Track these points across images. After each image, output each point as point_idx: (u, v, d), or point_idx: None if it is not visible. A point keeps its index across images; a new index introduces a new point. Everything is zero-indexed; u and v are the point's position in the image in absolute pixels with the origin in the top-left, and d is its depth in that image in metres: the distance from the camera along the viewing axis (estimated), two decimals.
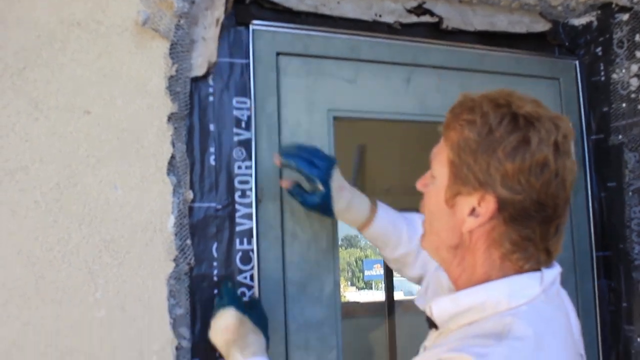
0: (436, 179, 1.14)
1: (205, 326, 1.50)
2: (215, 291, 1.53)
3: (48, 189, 1.41)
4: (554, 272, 1.11)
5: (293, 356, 1.60)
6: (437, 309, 1.13)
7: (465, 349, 0.97)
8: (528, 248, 1.07)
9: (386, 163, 4.36)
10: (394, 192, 4.92)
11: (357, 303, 8.67)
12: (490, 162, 1.04)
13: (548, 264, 1.11)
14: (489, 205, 1.05)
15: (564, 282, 1.90)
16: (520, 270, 1.09)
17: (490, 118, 1.06)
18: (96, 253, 1.43)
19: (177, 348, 1.47)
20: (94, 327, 1.42)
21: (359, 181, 4.43)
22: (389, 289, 6.06)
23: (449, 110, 1.16)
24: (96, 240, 1.44)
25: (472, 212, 1.08)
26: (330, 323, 1.65)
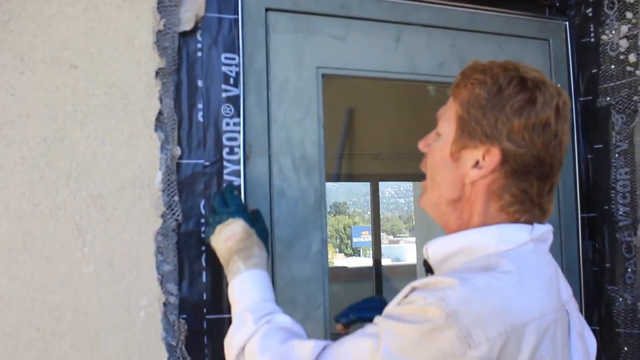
0: (442, 136, 1.22)
1: (194, 283, 1.52)
2: (203, 248, 1.54)
3: (35, 144, 1.41)
4: (545, 227, 1.17)
5: None
6: (433, 249, 1.22)
7: (451, 275, 1.06)
8: (525, 202, 1.15)
9: (375, 127, 4.37)
10: (383, 157, 4.94)
11: (345, 268, 8.75)
12: (498, 118, 1.12)
13: (542, 220, 1.18)
14: (493, 157, 1.13)
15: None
16: (514, 221, 1.16)
17: (500, 79, 1.15)
18: (84, 208, 1.44)
19: (164, 304, 1.48)
20: (82, 282, 1.43)
21: (347, 145, 4.43)
22: (377, 252, 6.16)
23: (460, 73, 1.22)
24: (84, 196, 1.44)
25: (476, 164, 1.15)
26: (317, 280, 1.66)
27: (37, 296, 1.39)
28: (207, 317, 1.53)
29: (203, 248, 1.54)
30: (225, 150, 1.58)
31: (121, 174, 1.47)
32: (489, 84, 1.15)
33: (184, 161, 1.54)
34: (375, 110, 4.00)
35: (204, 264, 1.54)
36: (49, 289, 1.40)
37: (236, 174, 1.58)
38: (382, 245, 6.48)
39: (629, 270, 1.87)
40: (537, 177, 1.14)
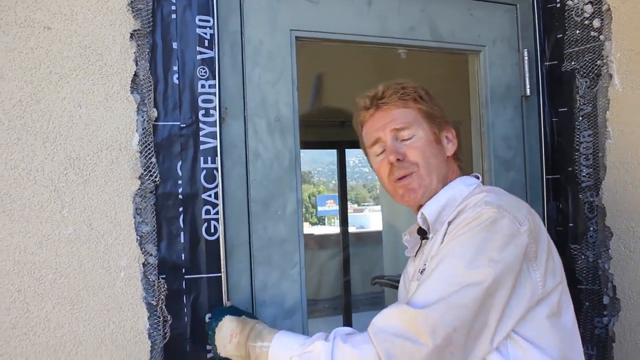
0: (417, 135, 1.52)
1: (172, 244, 1.55)
2: (181, 209, 1.56)
3: (10, 106, 1.42)
4: (478, 174, 1.62)
5: (257, 272, 1.67)
6: (427, 211, 1.50)
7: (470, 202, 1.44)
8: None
9: (343, 94, 4.40)
10: (350, 124, 4.98)
11: (312, 235, 8.87)
12: (441, 107, 1.58)
13: None
14: (451, 131, 1.58)
15: None
16: (462, 174, 1.60)
17: (420, 86, 1.57)
18: (62, 170, 1.46)
19: (144, 264, 1.52)
20: (62, 243, 1.45)
21: (315, 110, 4.46)
22: (344, 222, 6.24)
23: (399, 87, 1.55)
24: (61, 158, 1.46)
25: (449, 142, 1.57)
26: (293, 240, 1.71)
27: (19, 258, 1.42)
28: (186, 277, 1.57)
29: (181, 209, 1.57)
30: (201, 112, 1.60)
31: (98, 136, 1.49)
32: (423, 90, 1.56)
33: (161, 123, 1.56)
34: (344, 76, 4.03)
35: (182, 224, 1.57)
36: (29, 250, 1.42)
37: (212, 135, 1.61)
38: (348, 213, 6.59)
39: (591, 229, 1.94)
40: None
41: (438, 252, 1.35)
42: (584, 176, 1.96)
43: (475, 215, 1.34)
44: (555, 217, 2.06)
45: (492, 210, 1.33)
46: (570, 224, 2.01)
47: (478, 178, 1.58)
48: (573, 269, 1.98)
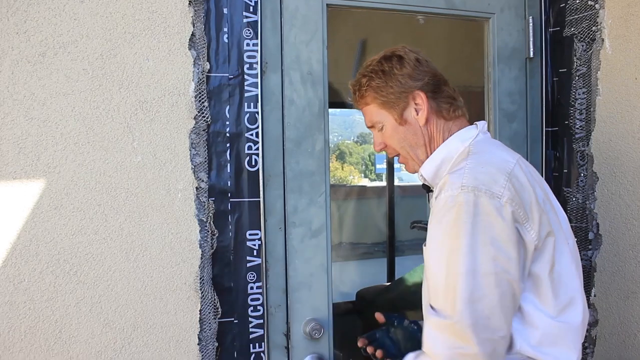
0: (384, 125, 1.52)
1: (220, 173, 1.72)
2: (228, 145, 1.74)
3: (94, 59, 1.59)
4: (482, 123, 1.53)
5: (289, 198, 1.82)
6: (424, 170, 1.51)
7: (451, 174, 1.36)
8: (453, 103, 1.52)
9: None
10: None
11: (365, 186, 9.03)
12: (399, 80, 1.49)
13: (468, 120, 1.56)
14: (419, 97, 1.48)
15: (518, 151, 2.10)
16: (461, 126, 1.52)
17: (378, 67, 1.51)
18: (133, 111, 1.63)
19: (197, 188, 1.69)
20: (132, 169, 1.63)
21: None
22: (390, 175, 6.33)
23: (352, 88, 1.59)
24: (133, 101, 1.63)
25: (416, 112, 1.49)
26: (320, 173, 1.85)
27: (99, 179, 1.60)
28: (231, 200, 1.74)
29: (228, 145, 1.73)
30: (246, 66, 1.75)
31: (162, 84, 1.65)
32: (377, 75, 1.50)
33: (213, 74, 1.72)
34: (388, 42, 4.05)
35: (228, 157, 1.73)
36: (107, 173, 1.61)
37: (254, 85, 1.76)
38: (402, 172, 6.62)
39: (582, 175, 2.04)
40: (443, 84, 1.52)
41: (430, 239, 1.34)
42: (577, 128, 2.04)
43: (452, 203, 1.28)
44: (553, 164, 2.15)
45: (469, 195, 1.27)
46: (564, 170, 2.10)
47: (478, 126, 1.52)
48: (565, 209, 2.07)
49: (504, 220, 1.26)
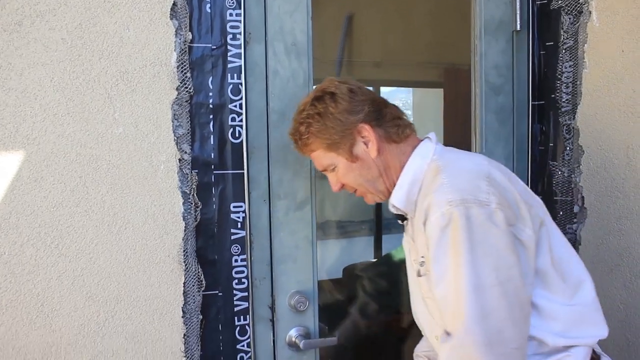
0: (336, 166, 1.47)
1: (204, 145, 1.67)
2: (211, 116, 1.69)
3: (73, 28, 1.54)
4: (433, 134, 1.49)
5: (274, 170, 1.78)
6: (395, 199, 1.44)
7: (432, 192, 1.30)
8: (400, 122, 1.47)
9: (374, 34, 4.34)
10: (385, 65, 4.92)
11: None
12: (338, 119, 1.42)
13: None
14: (364, 130, 1.43)
15: (504, 124, 2.07)
16: (414, 144, 1.46)
17: (313, 110, 1.44)
18: (114, 82, 1.58)
19: (179, 160, 1.65)
20: (114, 140, 1.59)
21: (346, 53, 4.41)
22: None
23: (292, 137, 1.54)
24: (113, 71, 1.58)
25: (366, 145, 1.43)
26: None
27: (79, 150, 1.55)
28: (215, 172, 1.70)
29: (211, 116, 1.69)
30: (229, 36, 1.70)
31: (143, 54, 1.60)
32: (314, 119, 1.44)
33: (195, 45, 1.67)
34: (373, 17, 3.98)
35: (212, 129, 1.69)
36: (88, 145, 1.56)
37: (238, 56, 1.71)
38: None
39: (568, 148, 2.01)
40: (384, 107, 1.47)
41: (433, 263, 1.27)
42: (563, 102, 2.01)
43: (445, 222, 1.23)
44: (539, 137, 2.12)
45: (459, 209, 1.22)
46: (550, 144, 2.07)
47: (432, 139, 1.47)
48: (551, 183, 2.06)
49: (497, 227, 1.22)
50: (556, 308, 1.34)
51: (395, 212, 1.47)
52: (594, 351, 1.40)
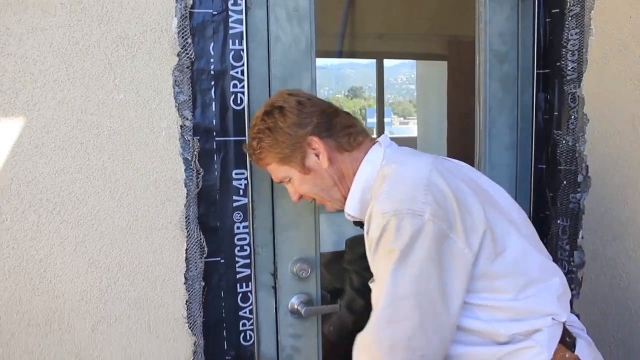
0: (291, 177, 1.51)
1: (205, 111, 1.66)
2: (212, 82, 1.67)
3: None
4: (383, 137, 1.50)
5: None
6: (349, 208, 1.47)
7: (374, 200, 1.30)
8: (351, 130, 1.49)
9: (376, 6, 4.30)
10: (388, 37, 4.89)
11: None
12: (287, 133, 1.46)
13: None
14: (313, 142, 1.45)
15: (509, 93, 2.03)
16: (367, 150, 1.47)
17: (264, 126, 1.48)
18: (114, 47, 1.56)
19: (181, 127, 1.63)
20: (115, 106, 1.57)
21: (348, 26, 4.38)
22: (380, 129, 6.23)
23: (249, 156, 1.61)
24: (113, 37, 1.56)
25: (317, 157, 1.46)
26: None
27: (80, 117, 1.54)
28: (217, 139, 1.68)
29: (212, 83, 1.67)
30: (230, 2, 1.67)
31: (143, 19, 1.58)
32: (265, 134, 1.48)
33: (196, 10, 1.64)
34: None
35: (213, 96, 1.67)
36: (89, 111, 1.55)
37: (239, 22, 1.68)
38: (393, 126, 6.54)
39: (572, 117, 1.98)
40: (334, 116, 1.49)
41: (373, 266, 1.32)
42: (569, 70, 1.98)
43: (379, 233, 1.25)
44: (543, 106, 2.09)
45: (391, 221, 1.22)
46: (555, 113, 2.04)
47: (382, 143, 1.48)
48: (555, 152, 2.03)
49: (426, 239, 1.22)
50: (503, 304, 1.31)
51: (351, 219, 1.50)
52: (568, 334, 1.36)
